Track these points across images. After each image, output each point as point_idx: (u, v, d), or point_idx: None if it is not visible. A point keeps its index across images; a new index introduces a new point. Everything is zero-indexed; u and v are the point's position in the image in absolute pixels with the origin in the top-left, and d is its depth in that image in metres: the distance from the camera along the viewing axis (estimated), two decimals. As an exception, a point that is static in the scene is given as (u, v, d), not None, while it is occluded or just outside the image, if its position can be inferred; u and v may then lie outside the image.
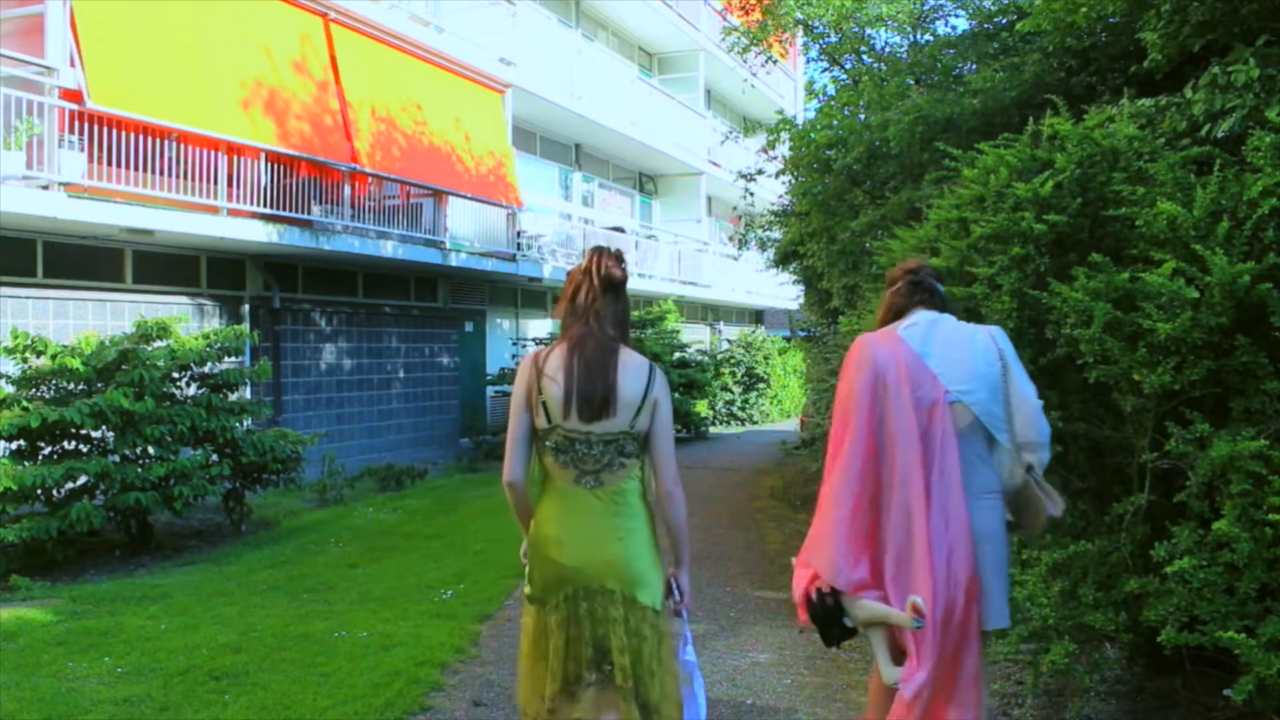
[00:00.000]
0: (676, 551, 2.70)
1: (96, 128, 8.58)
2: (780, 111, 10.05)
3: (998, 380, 2.74)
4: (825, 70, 10.68)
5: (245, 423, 8.12)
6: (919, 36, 9.07)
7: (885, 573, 2.69)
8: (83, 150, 8.41)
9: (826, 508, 2.80)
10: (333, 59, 11.39)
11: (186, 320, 8.32)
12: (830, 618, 2.76)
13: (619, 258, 2.71)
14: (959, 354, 2.77)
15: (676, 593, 2.68)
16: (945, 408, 2.69)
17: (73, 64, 8.41)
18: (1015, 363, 2.80)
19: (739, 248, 16.44)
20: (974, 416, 2.72)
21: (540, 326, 17.37)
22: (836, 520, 2.74)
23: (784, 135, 8.50)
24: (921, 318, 2.90)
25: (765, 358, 20.67)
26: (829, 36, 9.55)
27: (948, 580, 2.62)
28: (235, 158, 9.89)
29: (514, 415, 2.62)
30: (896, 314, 2.97)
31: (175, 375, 7.60)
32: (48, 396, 7.13)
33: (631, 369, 2.59)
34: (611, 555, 2.55)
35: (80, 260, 9.33)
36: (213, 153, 9.59)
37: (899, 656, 2.72)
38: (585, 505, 2.57)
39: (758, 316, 27.71)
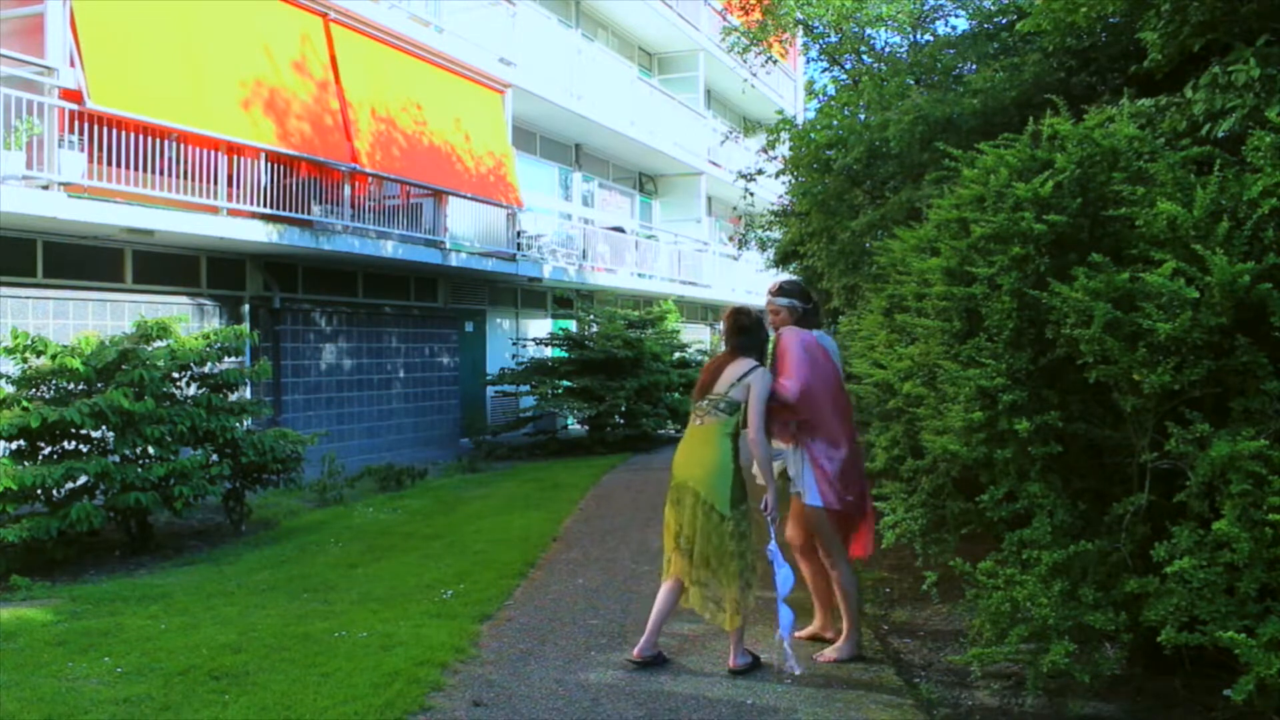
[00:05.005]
0: (763, 478, 4.30)
1: (96, 128, 8.58)
2: (780, 111, 10.04)
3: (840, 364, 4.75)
4: (825, 70, 10.66)
5: (245, 423, 8.12)
6: (919, 36, 9.07)
7: (822, 435, 4.53)
8: (83, 150, 8.41)
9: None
10: (333, 59, 11.39)
11: (186, 320, 8.31)
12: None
13: (747, 311, 4.53)
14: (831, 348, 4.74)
15: (764, 505, 4.30)
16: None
17: (73, 64, 8.42)
18: (835, 355, 4.71)
19: (739, 248, 16.40)
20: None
21: (540, 326, 17.34)
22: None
23: (784, 135, 8.49)
24: (818, 333, 4.74)
25: (765, 357, 20.60)
26: (829, 36, 9.54)
27: (850, 453, 4.52)
28: (235, 158, 9.89)
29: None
30: (807, 326, 4.67)
31: (175, 375, 7.60)
32: (48, 396, 7.12)
33: (736, 368, 4.38)
34: (696, 469, 4.32)
35: (80, 260, 9.34)
36: (213, 153, 9.59)
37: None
38: (692, 437, 4.43)
39: (758, 316, 27.67)
